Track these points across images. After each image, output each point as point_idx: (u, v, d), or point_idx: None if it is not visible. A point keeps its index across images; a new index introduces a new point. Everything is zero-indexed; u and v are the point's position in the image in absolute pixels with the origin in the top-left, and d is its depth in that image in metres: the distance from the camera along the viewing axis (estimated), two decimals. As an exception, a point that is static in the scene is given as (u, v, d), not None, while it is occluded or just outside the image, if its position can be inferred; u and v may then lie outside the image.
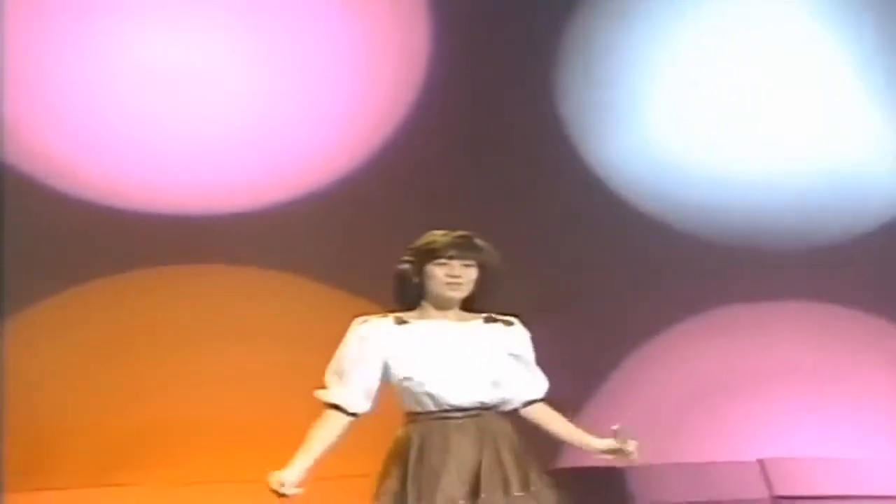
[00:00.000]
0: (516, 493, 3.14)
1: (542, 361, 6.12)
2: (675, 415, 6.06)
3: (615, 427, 3.27)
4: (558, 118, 6.05)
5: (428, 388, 3.17)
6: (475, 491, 3.12)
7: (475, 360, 3.22)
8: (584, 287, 5.97)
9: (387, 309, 3.26)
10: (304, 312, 5.69)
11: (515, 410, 3.32)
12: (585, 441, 3.38)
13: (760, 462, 6.07)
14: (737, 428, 6.09)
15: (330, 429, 3.15)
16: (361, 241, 5.71)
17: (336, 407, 3.15)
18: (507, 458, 3.17)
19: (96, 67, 5.60)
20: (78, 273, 5.48)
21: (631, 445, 3.30)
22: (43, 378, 5.43)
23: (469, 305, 3.28)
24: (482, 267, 3.26)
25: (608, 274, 6.03)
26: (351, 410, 3.16)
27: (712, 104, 6.24)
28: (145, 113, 5.65)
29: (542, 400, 3.37)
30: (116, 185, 5.60)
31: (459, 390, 3.18)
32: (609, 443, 3.34)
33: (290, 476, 3.08)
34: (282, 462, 3.75)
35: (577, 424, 5.82)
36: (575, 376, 5.76)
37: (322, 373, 5.05)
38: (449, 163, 5.89)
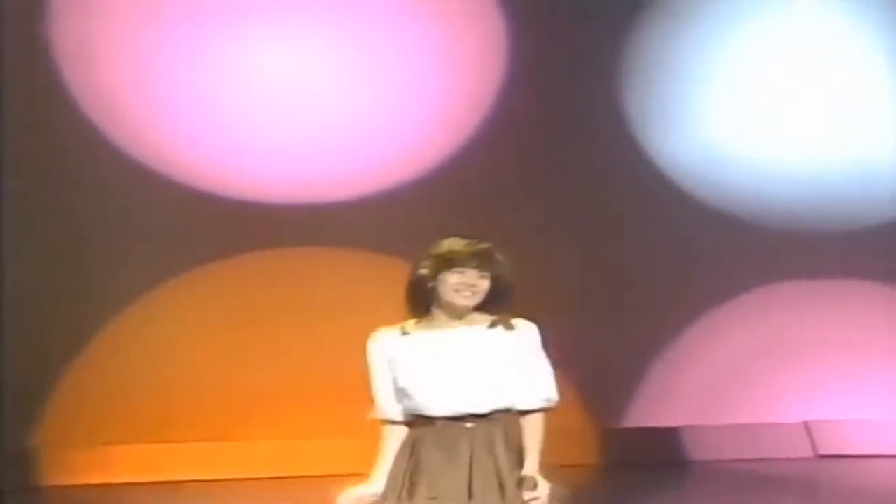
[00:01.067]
0: (515, 499, 3.05)
1: (608, 333, 6.62)
2: (727, 381, 6.55)
3: (521, 475, 3.06)
4: (622, 116, 6.56)
5: (420, 401, 3.16)
6: (468, 496, 3.08)
7: (470, 370, 3.15)
8: (646, 268, 6.47)
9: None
10: (386, 290, 6.20)
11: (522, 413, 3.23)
12: (526, 463, 3.12)
13: (806, 424, 6.58)
14: (783, 393, 6.57)
15: (393, 440, 3.17)
16: (458, 225, 6.18)
17: (389, 420, 3.17)
18: (505, 464, 3.10)
19: (227, 72, 6.22)
20: (220, 251, 6.06)
21: (535, 492, 3.06)
22: (182, 345, 6.07)
23: (483, 308, 3.20)
24: (496, 279, 3.19)
25: (667, 255, 6.52)
26: (399, 419, 3.17)
27: (759, 101, 6.69)
28: (273, 116, 6.24)
29: (538, 410, 3.16)
30: (251, 178, 6.19)
31: (452, 401, 3.14)
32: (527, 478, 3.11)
33: (370, 489, 3.11)
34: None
35: (639, 391, 6.41)
36: (637, 347, 6.51)
37: None
38: (527, 154, 6.38)
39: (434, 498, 3.06)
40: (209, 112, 6.27)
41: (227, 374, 6.08)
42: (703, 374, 6.58)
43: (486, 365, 3.14)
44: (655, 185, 6.58)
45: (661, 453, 6.45)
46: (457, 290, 3.13)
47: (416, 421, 3.15)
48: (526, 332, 3.19)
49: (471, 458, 3.10)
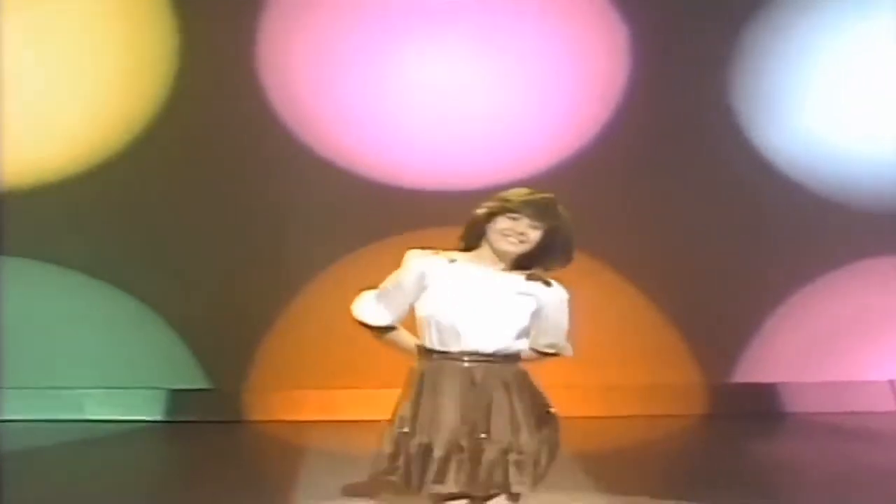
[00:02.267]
0: (526, 437, 3.05)
1: (717, 305, 7.00)
2: (823, 343, 7.17)
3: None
4: (730, 109, 7.09)
5: (451, 329, 3.06)
6: (483, 430, 3.03)
7: (503, 309, 3.08)
8: (754, 245, 7.09)
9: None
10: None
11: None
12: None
13: (891, 382, 7.21)
14: (872, 355, 7.19)
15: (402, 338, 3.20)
16: (587, 212, 6.84)
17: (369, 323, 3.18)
18: (518, 402, 3.07)
19: (393, 77, 6.96)
20: (389, 230, 6.68)
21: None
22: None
23: (526, 265, 3.14)
24: (550, 232, 3.11)
25: (771, 234, 7.14)
26: (376, 324, 3.18)
27: (857, 92, 7.16)
28: (431, 114, 6.99)
29: (548, 354, 3.27)
30: (412, 169, 6.97)
31: (480, 335, 3.06)
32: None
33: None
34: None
35: (744, 351, 7.14)
36: (743, 313, 7.14)
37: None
38: (649, 148, 7.00)
39: (454, 435, 3.01)
40: (380, 113, 7.03)
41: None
42: (800, 336, 7.17)
43: (521, 311, 3.10)
44: (761, 172, 7.10)
45: (762, 406, 7.07)
46: (505, 235, 3.07)
47: (429, 353, 3.10)
48: (559, 293, 3.19)
49: (488, 394, 3.05)
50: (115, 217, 6.93)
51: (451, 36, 7.08)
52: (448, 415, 3.03)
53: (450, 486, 3.02)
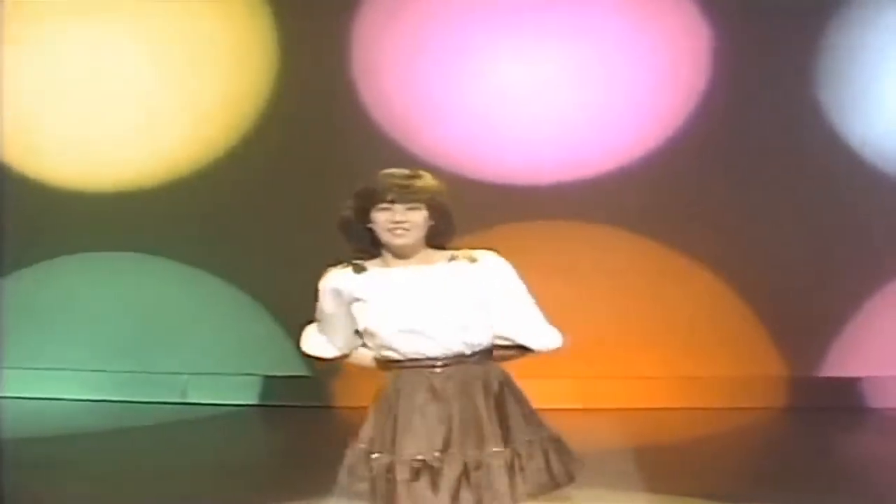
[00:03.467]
0: (493, 449, 2.73)
1: (804, 297, 6.97)
2: None
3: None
4: (816, 102, 7.01)
5: (390, 341, 2.76)
6: (446, 445, 2.73)
7: (435, 308, 2.74)
8: (840, 240, 7.00)
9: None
10: (630, 260, 7.02)
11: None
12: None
13: None
14: None
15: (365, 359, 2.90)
16: (672, 204, 6.91)
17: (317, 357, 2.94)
18: (484, 411, 2.75)
19: (482, 75, 7.07)
20: (476, 225, 6.20)
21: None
22: None
23: (434, 243, 2.84)
24: (431, 205, 2.79)
25: (857, 224, 7.03)
26: (329, 356, 2.92)
27: None
28: (519, 111, 7.04)
29: (519, 349, 2.87)
30: (501, 164, 7.07)
31: (421, 342, 2.75)
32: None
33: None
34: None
35: (837, 336, 7.05)
36: (832, 307, 7.03)
37: (645, 304, 6.41)
38: (734, 140, 6.96)
39: (419, 452, 2.72)
40: (468, 110, 7.15)
41: None
42: (890, 331, 7.02)
43: (455, 301, 2.75)
44: (848, 165, 7.00)
45: (847, 400, 6.94)
46: (389, 230, 2.74)
47: (390, 365, 2.81)
48: (492, 264, 2.83)
49: (449, 403, 2.75)
50: (221, 213, 7.23)
51: (536, 32, 7.15)
52: (409, 431, 2.73)
53: None
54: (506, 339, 2.82)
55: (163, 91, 7.38)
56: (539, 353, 2.86)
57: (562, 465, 2.86)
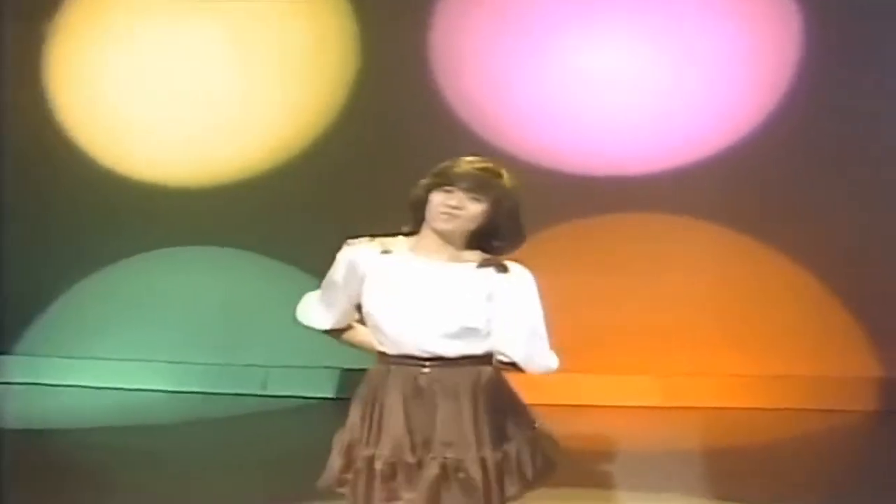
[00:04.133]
0: (475, 453, 2.68)
1: None
2: None
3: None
4: None
5: (384, 330, 2.70)
6: (427, 445, 2.68)
7: (442, 307, 2.66)
8: None
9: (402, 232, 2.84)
10: (717, 254, 6.88)
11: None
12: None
13: None
14: None
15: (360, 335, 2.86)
16: (758, 196, 6.74)
17: (311, 327, 2.91)
18: (469, 414, 2.68)
19: (559, 69, 7.00)
20: (553, 217, 6.80)
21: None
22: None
23: (479, 243, 2.74)
24: (494, 204, 2.68)
25: None
26: (325, 327, 2.88)
27: None
28: (599, 101, 6.97)
29: (512, 366, 2.77)
30: (583, 155, 6.96)
31: (415, 338, 2.67)
32: None
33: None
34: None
35: None
36: None
37: (732, 299, 6.26)
38: (823, 130, 6.74)
39: (397, 448, 2.69)
40: (549, 102, 7.07)
41: (571, 315, 6.55)
42: None
43: (466, 308, 2.66)
44: None
45: None
46: (438, 212, 2.67)
47: (382, 356, 2.75)
48: (520, 279, 2.71)
49: (434, 403, 2.68)
50: (302, 208, 7.26)
51: (617, 22, 7.04)
52: (390, 426, 2.68)
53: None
54: (503, 355, 2.74)
55: (246, 89, 7.47)
56: (533, 373, 2.78)
57: (544, 457, 2.82)
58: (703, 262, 6.90)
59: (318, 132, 7.33)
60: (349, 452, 2.76)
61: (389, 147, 7.09)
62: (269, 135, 7.41)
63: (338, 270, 2.78)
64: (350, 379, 7.47)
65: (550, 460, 2.83)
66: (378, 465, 2.68)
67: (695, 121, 6.98)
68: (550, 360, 2.78)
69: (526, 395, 6.65)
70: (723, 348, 6.89)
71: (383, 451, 2.68)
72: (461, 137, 7.05)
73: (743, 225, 6.83)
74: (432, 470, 2.66)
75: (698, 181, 6.87)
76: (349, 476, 2.75)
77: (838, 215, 6.77)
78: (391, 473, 2.68)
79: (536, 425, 2.83)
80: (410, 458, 2.67)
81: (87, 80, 7.65)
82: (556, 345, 7.02)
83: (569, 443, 5.58)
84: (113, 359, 7.42)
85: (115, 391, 7.16)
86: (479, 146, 6.87)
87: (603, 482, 5.11)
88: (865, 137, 6.80)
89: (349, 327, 2.89)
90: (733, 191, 6.82)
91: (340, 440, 2.80)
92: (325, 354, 7.04)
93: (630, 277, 6.95)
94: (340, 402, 7.05)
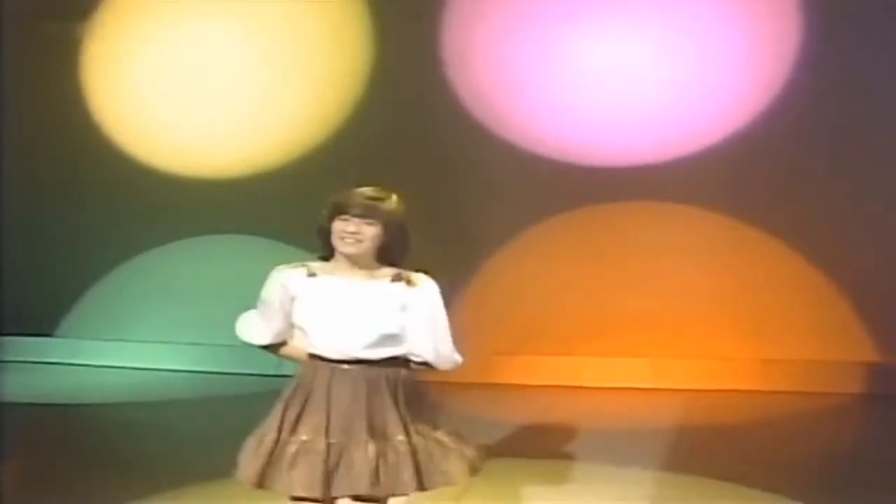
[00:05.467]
0: (399, 438, 2.97)
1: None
2: None
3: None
4: None
5: (312, 339, 3.03)
6: (347, 433, 2.96)
7: (362, 315, 3.00)
8: None
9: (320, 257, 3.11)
10: (716, 240, 7.04)
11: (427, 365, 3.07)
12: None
13: None
14: None
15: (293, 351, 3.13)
16: (760, 181, 6.86)
17: (251, 343, 3.16)
18: (381, 408, 2.99)
19: (567, 64, 7.20)
20: (564, 205, 7.13)
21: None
22: (531, 280, 7.28)
23: (386, 258, 3.06)
24: (385, 227, 3.00)
25: None
26: (262, 343, 3.14)
27: None
28: (606, 95, 7.14)
29: (425, 365, 3.06)
30: (589, 146, 7.15)
31: (338, 345, 2.99)
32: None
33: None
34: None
35: None
36: None
37: (729, 285, 6.47)
38: (822, 119, 6.82)
39: (314, 436, 2.93)
40: (556, 94, 7.24)
41: (574, 300, 7.15)
42: None
43: (380, 316, 2.99)
44: None
45: None
46: (341, 238, 2.98)
47: (311, 359, 3.03)
48: (427, 291, 3.03)
49: (353, 400, 2.96)
50: (322, 199, 7.43)
51: (623, 20, 7.20)
52: (313, 413, 2.97)
53: (302, 489, 2.94)
54: (415, 355, 3.06)
55: (268, 86, 7.82)
56: (440, 369, 3.09)
57: (461, 460, 3.04)
58: (702, 249, 7.04)
59: (336, 126, 7.62)
60: (263, 443, 2.99)
61: (403, 140, 7.34)
62: (288, 129, 7.73)
63: (271, 293, 3.08)
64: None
65: (455, 461, 3.03)
66: (289, 448, 2.95)
67: (697, 113, 7.10)
68: (456, 356, 3.11)
69: (535, 378, 6.91)
70: (721, 332, 7.03)
71: (300, 437, 2.96)
72: (472, 131, 7.28)
73: (742, 213, 6.95)
74: (346, 452, 2.95)
75: (699, 171, 7.00)
76: (262, 465, 2.97)
77: (836, 204, 6.85)
78: (308, 457, 2.94)
79: (448, 428, 3.07)
80: (324, 443, 2.95)
81: (121, 80, 8.06)
82: (562, 330, 7.23)
83: (565, 421, 5.88)
84: (141, 341, 7.84)
85: (142, 371, 7.58)
86: (489, 140, 7.27)
87: (591, 458, 5.25)
88: (863, 128, 6.86)
89: (284, 343, 3.17)
90: (733, 181, 6.94)
91: (257, 432, 3.03)
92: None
93: (633, 264, 7.13)
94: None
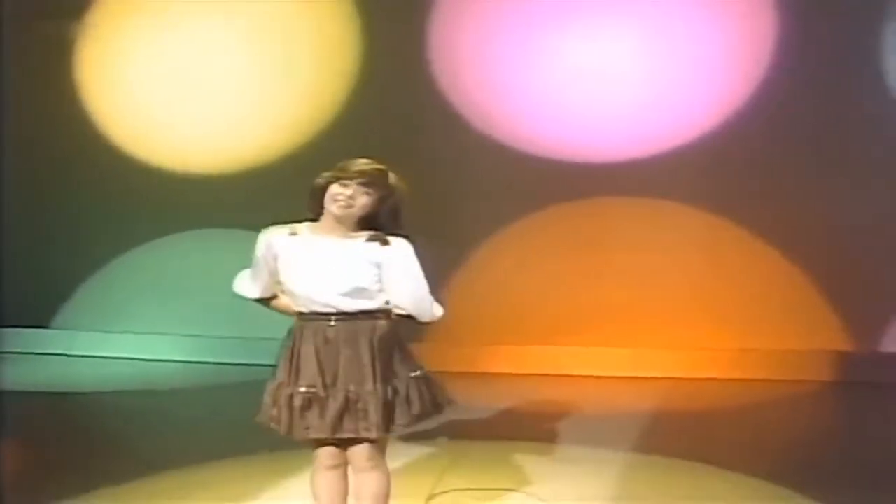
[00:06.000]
0: (370, 387, 3.22)
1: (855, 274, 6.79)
2: None
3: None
4: (883, 75, 6.90)
5: (296, 293, 3.28)
6: (333, 381, 3.24)
7: (335, 269, 3.22)
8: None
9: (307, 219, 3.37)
10: (691, 234, 7.20)
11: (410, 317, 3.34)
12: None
13: None
14: None
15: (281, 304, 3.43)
16: (735, 176, 7.04)
17: (243, 297, 3.50)
18: (367, 357, 3.24)
19: (549, 61, 7.34)
20: (541, 202, 7.26)
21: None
22: (515, 273, 7.44)
23: (369, 227, 3.29)
24: (381, 199, 3.23)
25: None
26: (252, 296, 3.47)
27: None
28: (584, 92, 7.27)
29: (408, 318, 3.34)
30: (567, 142, 7.28)
31: (317, 295, 3.23)
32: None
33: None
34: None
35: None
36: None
37: (704, 277, 6.67)
38: (798, 114, 6.97)
39: (310, 385, 3.24)
40: (539, 93, 7.38)
41: (555, 292, 7.32)
42: None
43: (354, 269, 3.23)
44: None
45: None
46: (335, 200, 3.23)
47: (299, 315, 3.33)
48: (400, 249, 3.27)
49: (338, 349, 3.24)
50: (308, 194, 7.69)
51: (604, 20, 7.34)
52: (306, 368, 3.26)
53: (312, 433, 3.27)
54: (399, 308, 3.33)
55: (258, 83, 7.96)
56: (422, 321, 3.37)
57: (432, 398, 3.32)
58: (681, 243, 7.22)
59: (325, 123, 7.78)
60: (275, 393, 3.34)
61: (391, 135, 7.40)
62: (279, 126, 7.89)
63: (258, 249, 3.39)
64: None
65: (436, 400, 3.35)
66: (296, 401, 3.26)
67: (675, 111, 7.25)
68: (435, 309, 3.37)
69: (520, 367, 7.08)
70: (697, 323, 7.23)
71: (299, 389, 3.26)
72: (458, 129, 7.43)
73: (719, 208, 7.13)
74: (338, 401, 3.24)
75: (678, 168, 7.17)
76: (275, 412, 3.33)
77: (809, 200, 7.02)
78: (307, 405, 3.26)
79: (421, 370, 3.35)
80: (321, 393, 3.25)
81: (115, 77, 8.22)
82: (545, 321, 7.37)
83: (547, 408, 6.11)
84: (135, 332, 8.02)
85: (136, 361, 7.77)
86: (474, 137, 7.42)
87: (573, 441, 5.48)
88: (833, 127, 7.03)
89: (274, 297, 3.48)
90: (710, 177, 7.11)
91: (270, 385, 3.37)
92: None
93: (613, 257, 7.32)
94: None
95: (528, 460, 4.98)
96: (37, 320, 8.33)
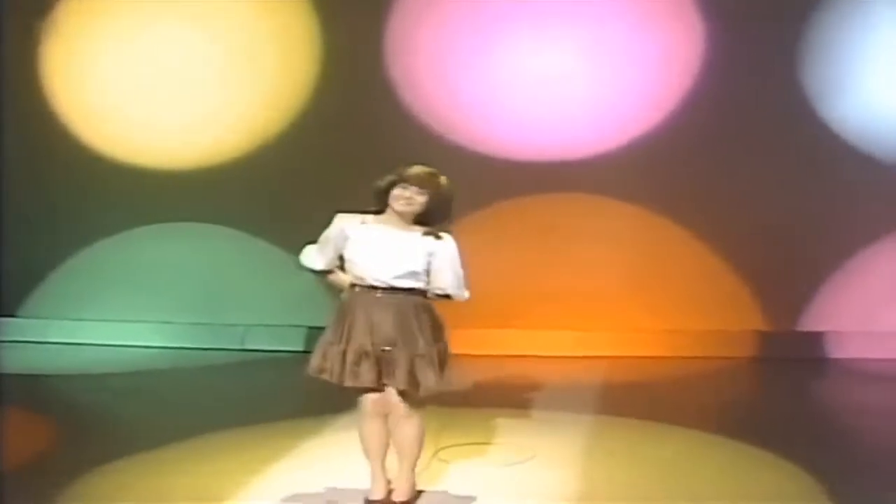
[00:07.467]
0: (422, 348, 3.87)
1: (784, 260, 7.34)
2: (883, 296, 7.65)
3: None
4: (802, 86, 7.55)
5: (358, 269, 3.91)
6: (390, 342, 3.88)
7: (396, 255, 3.86)
8: (820, 209, 7.55)
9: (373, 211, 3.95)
10: (626, 228, 7.79)
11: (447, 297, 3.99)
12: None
13: None
14: None
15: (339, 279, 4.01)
16: (666, 174, 7.61)
17: (310, 268, 4.03)
18: (413, 326, 3.87)
19: (500, 64, 7.81)
20: (495, 196, 7.70)
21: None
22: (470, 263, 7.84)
23: (425, 222, 3.92)
24: (433, 197, 3.85)
25: (832, 198, 7.60)
26: (318, 268, 4.01)
27: None
28: (534, 94, 7.73)
29: (444, 297, 3.97)
30: (517, 142, 7.77)
31: (378, 273, 3.86)
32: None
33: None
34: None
35: (814, 295, 7.57)
36: (810, 269, 7.59)
37: (641, 267, 7.27)
38: (723, 120, 7.56)
39: (361, 344, 3.85)
40: (489, 94, 7.81)
41: (509, 280, 7.75)
42: (861, 290, 7.67)
43: (410, 256, 3.88)
44: (827, 140, 7.53)
45: (819, 352, 7.54)
46: (397, 199, 3.88)
47: (355, 286, 3.93)
48: (448, 244, 3.95)
49: (383, 317, 3.87)
50: (271, 189, 8.07)
51: (552, 28, 7.82)
52: (358, 330, 3.89)
53: (360, 382, 3.91)
54: (440, 289, 4.01)
55: (222, 81, 8.26)
56: (456, 300, 4.04)
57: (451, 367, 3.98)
58: (618, 235, 7.78)
59: (285, 122, 8.13)
60: (325, 350, 3.97)
61: (349, 135, 7.86)
62: (243, 123, 8.20)
63: (332, 231, 3.97)
64: (314, 335, 8.09)
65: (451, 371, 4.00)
66: (349, 357, 3.89)
67: (614, 114, 7.79)
68: (466, 293, 4.07)
69: (475, 349, 7.55)
70: (634, 307, 7.86)
71: (353, 346, 3.88)
72: (413, 129, 7.83)
73: (652, 204, 7.72)
74: (380, 358, 3.89)
75: (616, 166, 7.74)
76: (326, 365, 3.96)
77: (732, 196, 7.64)
78: (357, 361, 3.90)
79: (444, 343, 3.99)
80: (370, 350, 3.89)
81: (81, 74, 8.41)
82: (497, 306, 7.86)
83: (510, 382, 6.65)
84: (108, 320, 8.23)
85: (110, 348, 7.97)
86: (428, 136, 7.82)
87: (535, 407, 6.07)
88: (755, 129, 7.65)
89: (331, 271, 4.07)
90: (644, 175, 7.68)
91: (321, 343, 4.00)
92: (294, 315, 7.99)
93: (559, 247, 7.84)
94: (307, 355, 7.79)
95: (508, 423, 5.59)
96: (3, 309, 8.47)
